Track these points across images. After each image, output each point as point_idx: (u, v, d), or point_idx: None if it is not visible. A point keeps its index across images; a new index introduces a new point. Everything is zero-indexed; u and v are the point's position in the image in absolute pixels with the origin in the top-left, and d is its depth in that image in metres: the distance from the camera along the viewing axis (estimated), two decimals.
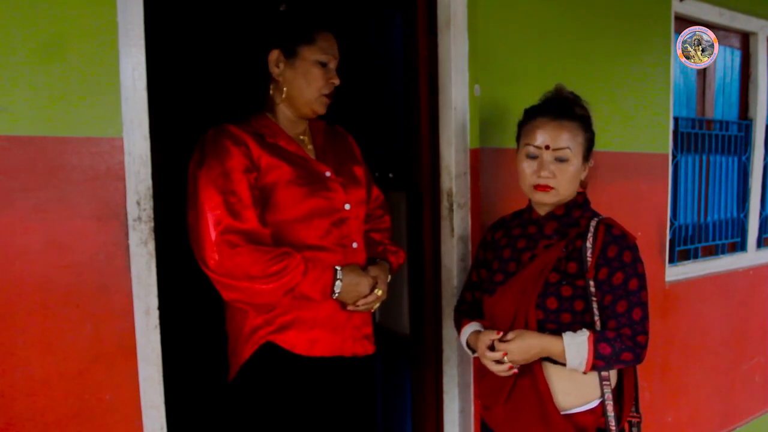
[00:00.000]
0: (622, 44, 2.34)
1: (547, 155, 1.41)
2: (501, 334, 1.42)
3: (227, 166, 1.37)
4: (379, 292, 1.51)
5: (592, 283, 1.39)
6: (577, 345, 1.35)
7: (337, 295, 1.43)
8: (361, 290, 1.47)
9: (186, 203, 1.40)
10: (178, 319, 2.20)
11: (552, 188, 1.42)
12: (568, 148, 1.41)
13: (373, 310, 1.57)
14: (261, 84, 1.53)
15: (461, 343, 1.59)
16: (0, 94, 1.19)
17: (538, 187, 1.43)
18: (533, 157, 1.43)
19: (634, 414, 1.53)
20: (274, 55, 1.48)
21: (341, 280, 1.43)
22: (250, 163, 1.40)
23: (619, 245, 1.39)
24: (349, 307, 1.49)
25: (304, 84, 1.49)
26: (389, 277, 1.61)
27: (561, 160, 1.41)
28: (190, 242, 1.38)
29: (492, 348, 1.43)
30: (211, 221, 1.33)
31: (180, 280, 2.51)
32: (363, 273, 1.50)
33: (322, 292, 1.41)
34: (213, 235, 1.32)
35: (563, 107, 1.45)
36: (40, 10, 1.22)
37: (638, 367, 1.49)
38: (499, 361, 1.41)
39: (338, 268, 1.44)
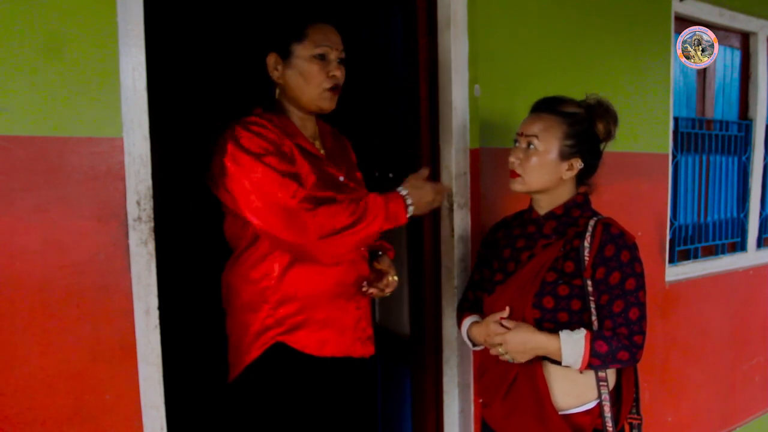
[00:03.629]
0: (622, 44, 2.34)
1: (522, 142, 1.47)
2: (507, 311, 1.44)
3: (276, 149, 1.38)
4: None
5: (589, 282, 1.39)
6: (573, 342, 1.36)
7: (414, 209, 1.45)
8: (428, 193, 1.47)
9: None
10: (178, 319, 2.20)
11: (518, 175, 1.46)
12: (536, 136, 1.43)
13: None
14: (267, 88, 1.52)
15: (462, 335, 1.60)
16: (0, 94, 1.19)
17: (510, 174, 1.48)
18: (516, 146, 1.49)
19: (635, 415, 1.53)
20: (272, 59, 1.47)
21: (409, 197, 1.44)
22: (288, 151, 1.41)
23: (617, 245, 1.39)
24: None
25: (303, 82, 1.46)
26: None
27: (529, 147, 1.44)
28: (266, 228, 1.36)
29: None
30: (286, 195, 1.33)
31: (180, 280, 2.52)
32: (422, 181, 1.49)
33: (403, 215, 1.43)
34: (292, 204, 1.33)
35: (548, 102, 1.48)
36: (40, 10, 1.22)
37: (638, 367, 1.49)
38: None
39: (403, 192, 1.44)
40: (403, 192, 1.44)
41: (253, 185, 1.35)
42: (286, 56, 1.46)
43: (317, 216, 1.33)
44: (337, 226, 1.34)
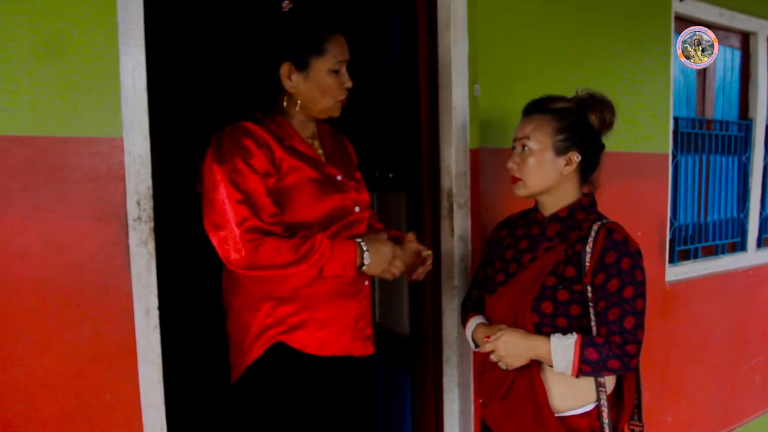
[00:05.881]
0: (622, 44, 2.34)
1: (517, 146, 1.47)
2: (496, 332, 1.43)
3: (249, 165, 1.36)
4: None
5: (589, 288, 1.38)
6: (563, 348, 1.35)
7: (366, 266, 1.42)
8: (386, 256, 1.44)
9: (200, 200, 1.39)
10: (178, 319, 2.20)
11: (519, 179, 1.46)
12: (528, 137, 1.43)
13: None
14: (273, 94, 1.51)
15: (467, 335, 1.60)
16: (0, 94, 1.19)
17: (511, 180, 1.48)
18: (514, 151, 1.49)
19: (637, 422, 1.51)
20: (286, 68, 1.46)
21: (367, 251, 1.42)
22: (270, 167, 1.40)
23: (619, 251, 1.36)
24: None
25: (319, 94, 1.48)
26: None
27: (524, 150, 1.44)
28: (210, 239, 1.37)
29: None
30: (235, 219, 1.32)
31: (180, 280, 2.52)
32: (386, 240, 1.47)
33: (351, 266, 1.40)
34: (237, 231, 1.31)
35: (536, 103, 1.48)
36: (40, 10, 1.22)
37: (638, 368, 1.48)
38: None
39: (360, 240, 1.43)
40: (364, 247, 1.42)
41: (210, 200, 1.36)
42: (302, 67, 1.46)
43: (260, 247, 1.32)
44: (278, 260, 1.32)
